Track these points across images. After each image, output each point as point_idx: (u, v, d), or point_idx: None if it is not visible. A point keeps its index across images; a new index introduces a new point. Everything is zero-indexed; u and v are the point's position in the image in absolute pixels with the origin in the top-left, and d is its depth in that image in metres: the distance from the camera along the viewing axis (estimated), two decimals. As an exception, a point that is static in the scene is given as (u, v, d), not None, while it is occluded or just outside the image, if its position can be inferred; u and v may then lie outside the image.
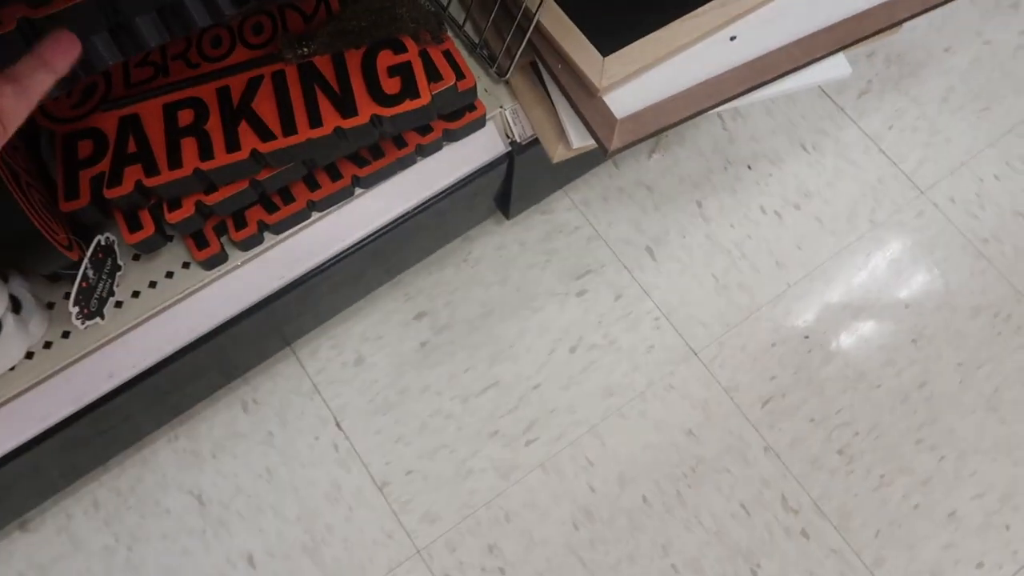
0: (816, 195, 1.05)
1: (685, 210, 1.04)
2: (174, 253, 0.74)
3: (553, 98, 0.78)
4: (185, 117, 0.65)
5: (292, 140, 0.63)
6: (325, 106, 0.64)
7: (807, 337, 0.98)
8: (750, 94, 0.75)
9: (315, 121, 0.63)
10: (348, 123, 0.63)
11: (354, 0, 0.65)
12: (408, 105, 0.64)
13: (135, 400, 0.77)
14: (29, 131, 0.70)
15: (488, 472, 0.91)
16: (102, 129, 0.65)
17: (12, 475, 0.74)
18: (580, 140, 0.76)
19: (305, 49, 0.64)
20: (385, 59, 0.65)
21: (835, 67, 0.77)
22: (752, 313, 0.98)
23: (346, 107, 0.64)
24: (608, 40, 0.74)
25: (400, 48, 0.66)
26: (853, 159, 1.07)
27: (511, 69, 0.78)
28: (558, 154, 0.78)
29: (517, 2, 0.73)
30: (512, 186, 0.91)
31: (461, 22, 0.79)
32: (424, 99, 0.64)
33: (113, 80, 0.67)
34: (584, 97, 0.74)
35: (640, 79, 0.75)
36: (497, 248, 1.01)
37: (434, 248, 0.98)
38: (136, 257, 0.74)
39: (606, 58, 0.73)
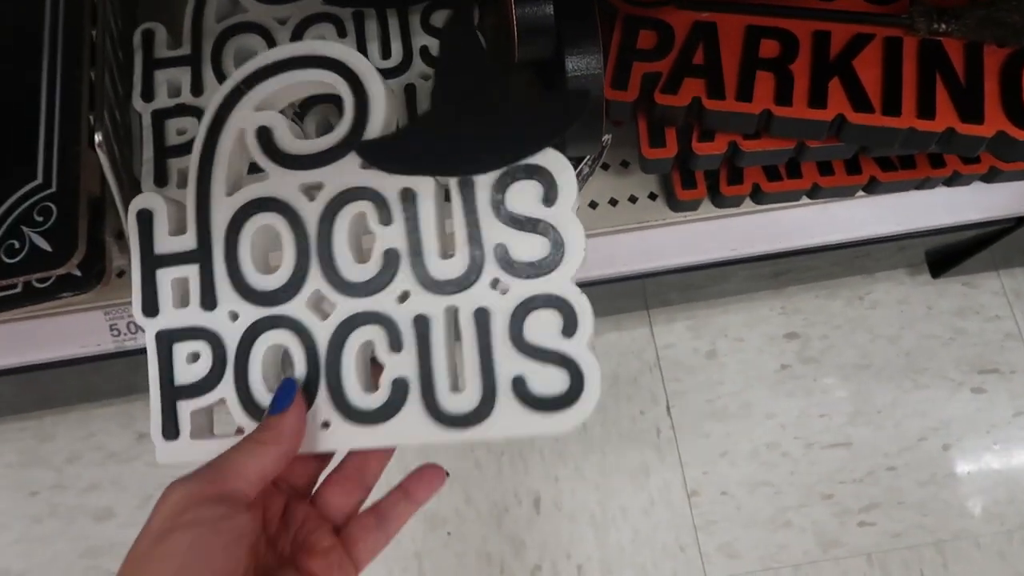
0: None
1: None
2: (643, 179, 0.67)
3: None
4: (769, 48, 0.56)
5: (890, 121, 0.53)
6: (942, 98, 0.53)
7: None
8: None
9: (925, 110, 0.53)
10: (966, 128, 0.52)
11: (1024, -10, 0.54)
12: (1047, 136, 0.52)
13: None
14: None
15: (807, 534, 0.80)
16: (671, 26, 0.57)
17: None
18: None
19: (942, 26, 0.54)
20: (1033, 71, 0.53)
21: None
22: None
23: (969, 109, 0.53)
24: None
25: (1057, 65, 0.54)
26: None
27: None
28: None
29: None
30: (978, 254, 0.78)
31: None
32: (1072, 137, 0.52)
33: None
34: None
35: None
36: (900, 301, 0.88)
37: (836, 275, 0.87)
38: (605, 167, 0.67)
39: None
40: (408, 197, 0.40)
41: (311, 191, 0.41)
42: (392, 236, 0.40)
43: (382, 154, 0.40)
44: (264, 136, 0.42)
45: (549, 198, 0.39)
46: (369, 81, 0.41)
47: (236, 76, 0.42)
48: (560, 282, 0.38)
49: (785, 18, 0.56)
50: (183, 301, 0.41)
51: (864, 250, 0.72)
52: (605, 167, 0.67)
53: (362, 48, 0.60)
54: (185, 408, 0.40)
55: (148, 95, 0.59)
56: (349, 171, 0.40)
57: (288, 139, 0.42)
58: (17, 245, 0.53)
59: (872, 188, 0.65)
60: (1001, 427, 0.84)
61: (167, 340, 0.41)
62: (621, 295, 0.81)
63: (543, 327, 0.38)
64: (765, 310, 0.88)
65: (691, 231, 0.67)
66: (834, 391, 0.85)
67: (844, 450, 0.83)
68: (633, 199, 0.66)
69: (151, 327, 0.41)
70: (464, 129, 0.40)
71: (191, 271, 0.41)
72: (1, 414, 0.80)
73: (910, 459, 0.83)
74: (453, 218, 0.40)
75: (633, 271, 0.68)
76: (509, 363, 0.38)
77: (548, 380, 0.37)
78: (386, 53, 0.60)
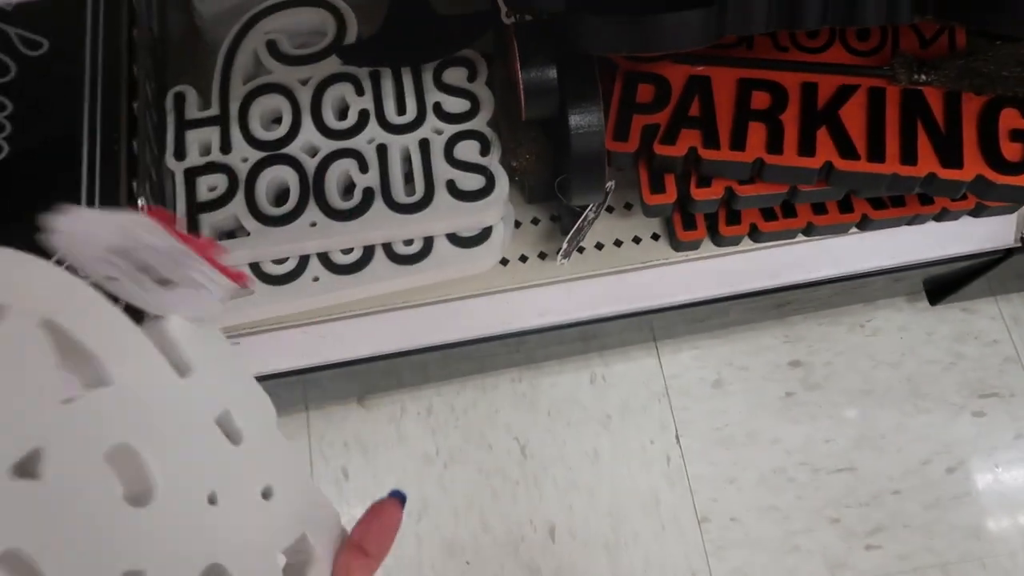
0: None
1: None
2: (646, 221, 0.70)
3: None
4: (760, 99, 0.60)
5: (875, 167, 0.56)
6: (923, 144, 0.57)
7: None
8: None
9: (908, 157, 0.56)
10: (946, 173, 0.56)
11: (999, 43, 0.57)
12: (1025, 179, 0.55)
13: (528, 342, 0.75)
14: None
15: (815, 557, 0.82)
16: (668, 80, 0.61)
17: (392, 366, 0.74)
18: None
19: (922, 76, 0.57)
20: (1010, 118, 0.57)
21: None
22: None
23: (949, 155, 0.56)
24: None
25: (1031, 112, 0.57)
26: None
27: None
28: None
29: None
30: (974, 282, 0.81)
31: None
32: (1049, 180, 0.55)
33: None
34: None
35: None
36: (900, 327, 0.91)
37: (837, 304, 0.89)
38: (609, 210, 0.71)
39: None
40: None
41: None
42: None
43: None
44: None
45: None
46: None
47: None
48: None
49: (774, 71, 0.60)
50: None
51: (861, 282, 0.75)
52: (609, 210, 0.70)
53: (379, 105, 0.64)
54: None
55: (180, 154, 0.63)
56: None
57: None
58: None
59: (864, 225, 0.68)
60: (1002, 449, 0.86)
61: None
62: (629, 329, 0.84)
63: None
64: (769, 339, 0.91)
65: (693, 269, 0.71)
66: (838, 417, 0.88)
67: (849, 475, 0.85)
68: (637, 240, 0.70)
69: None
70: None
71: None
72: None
73: (915, 482, 0.85)
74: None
75: (639, 308, 0.71)
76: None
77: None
78: (401, 109, 0.64)
